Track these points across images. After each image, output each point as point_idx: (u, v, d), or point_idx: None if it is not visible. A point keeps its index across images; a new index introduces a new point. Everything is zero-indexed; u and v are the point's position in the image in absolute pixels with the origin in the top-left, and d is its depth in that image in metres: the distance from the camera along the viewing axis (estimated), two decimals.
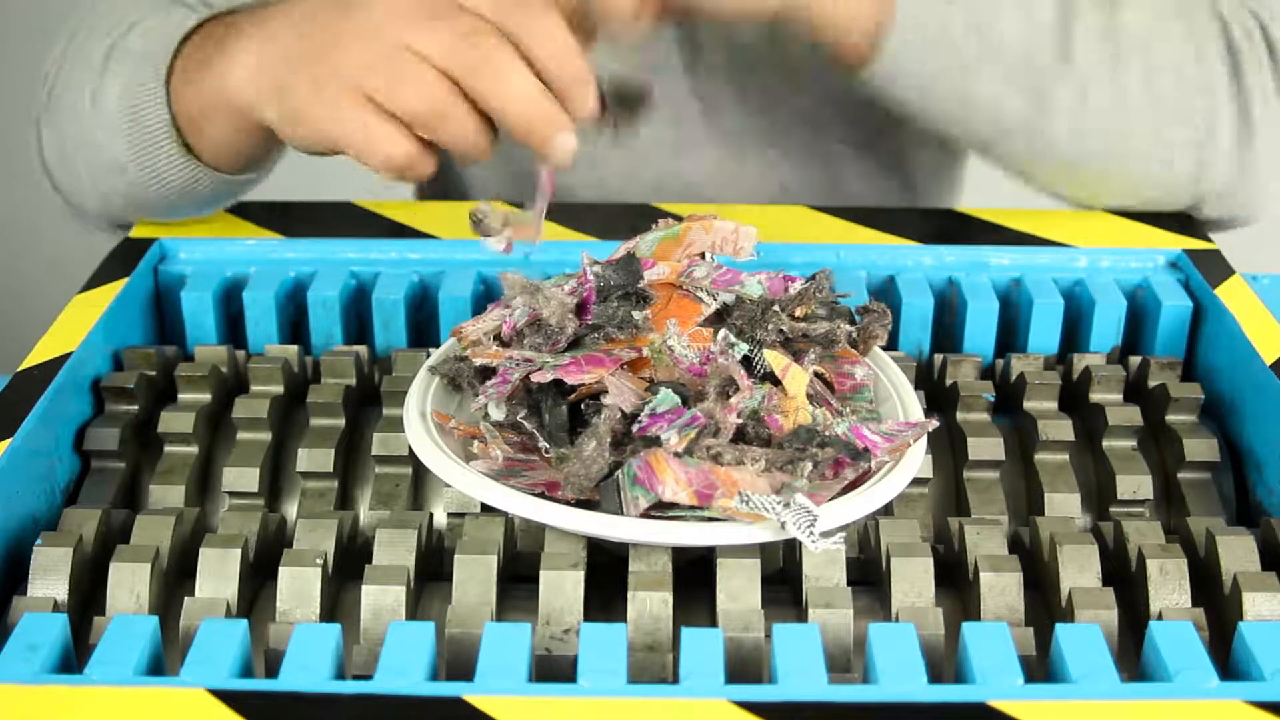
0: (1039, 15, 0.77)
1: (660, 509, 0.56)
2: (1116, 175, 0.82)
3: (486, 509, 0.61)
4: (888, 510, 0.63)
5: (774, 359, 0.61)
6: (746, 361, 0.61)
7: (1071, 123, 0.79)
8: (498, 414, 0.62)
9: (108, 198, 0.81)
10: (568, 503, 0.56)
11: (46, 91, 0.83)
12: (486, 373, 0.63)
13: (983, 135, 0.81)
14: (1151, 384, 0.73)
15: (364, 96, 0.60)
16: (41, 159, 0.85)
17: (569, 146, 0.61)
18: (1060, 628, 0.52)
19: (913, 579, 0.58)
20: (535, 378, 0.60)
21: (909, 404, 0.65)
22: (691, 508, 0.56)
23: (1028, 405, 0.71)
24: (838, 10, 0.75)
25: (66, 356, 0.68)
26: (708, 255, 0.67)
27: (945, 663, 0.56)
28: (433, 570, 0.62)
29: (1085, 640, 0.51)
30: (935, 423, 0.63)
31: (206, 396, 0.71)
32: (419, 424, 0.61)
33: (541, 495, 0.57)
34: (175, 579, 0.60)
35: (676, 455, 0.56)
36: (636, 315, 0.63)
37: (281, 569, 0.57)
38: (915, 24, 0.76)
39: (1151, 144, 0.80)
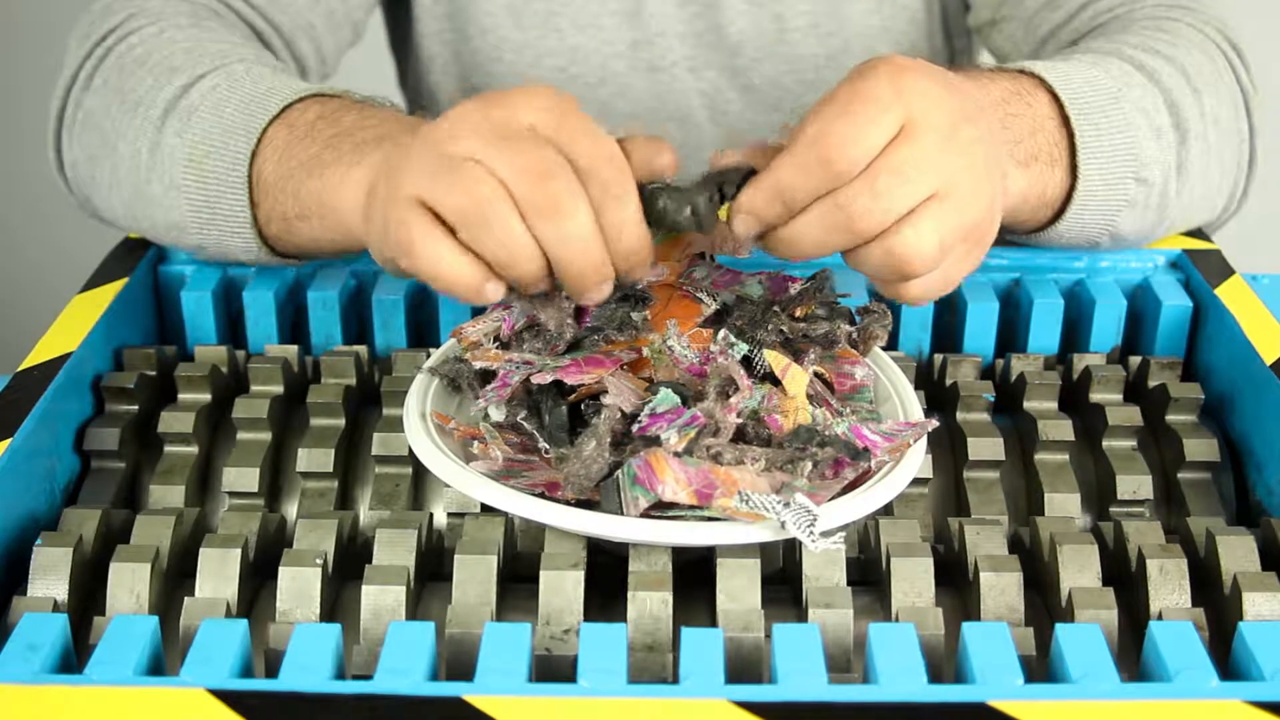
0: (1166, 137, 0.75)
1: (660, 509, 0.56)
2: (1176, 229, 0.82)
3: (486, 509, 0.61)
4: (888, 510, 0.62)
5: (774, 359, 0.61)
6: (746, 361, 0.61)
7: (1175, 214, 0.79)
8: (498, 415, 0.62)
9: (144, 231, 0.78)
10: (568, 503, 0.56)
11: (71, 98, 0.79)
12: (486, 375, 0.63)
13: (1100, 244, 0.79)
14: (1151, 384, 0.73)
15: (424, 206, 0.58)
16: (59, 161, 0.81)
17: (605, 294, 0.59)
18: (1060, 628, 0.52)
19: (913, 579, 0.58)
20: (535, 379, 0.60)
21: (909, 404, 0.65)
22: (691, 507, 0.56)
23: (1028, 405, 0.71)
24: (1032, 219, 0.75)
25: (66, 356, 0.68)
26: (707, 256, 0.67)
27: (945, 663, 0.56)
28: (433, 570, 0.62)
29: (1085, 640, 0.51)
30: (935, 423, 0.63)
31: (206, 396, 0.71)
32: (419, 425, 0.61)
33: (541, 495, 0.57)
34: (175, 579, 0.60)
35: (676, 455, 0.56)
36: (635, 316, 0.63)
37: (281, 569, 0.57)
38: (1089, 193, 0.74)
39: (1212, 198, 0.81)
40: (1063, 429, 0.69)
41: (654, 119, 1.04)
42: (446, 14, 1.04)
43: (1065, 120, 0.71)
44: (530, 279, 0.58)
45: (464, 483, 0.57)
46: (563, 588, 0.56)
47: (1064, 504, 0.67)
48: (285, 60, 0.90)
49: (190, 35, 0.79)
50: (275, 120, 0.71)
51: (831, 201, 0.57)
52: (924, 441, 0.62)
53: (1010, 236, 0.79)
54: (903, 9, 1.01)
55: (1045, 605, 0.59)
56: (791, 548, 0.61)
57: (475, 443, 0.61)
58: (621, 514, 0.55)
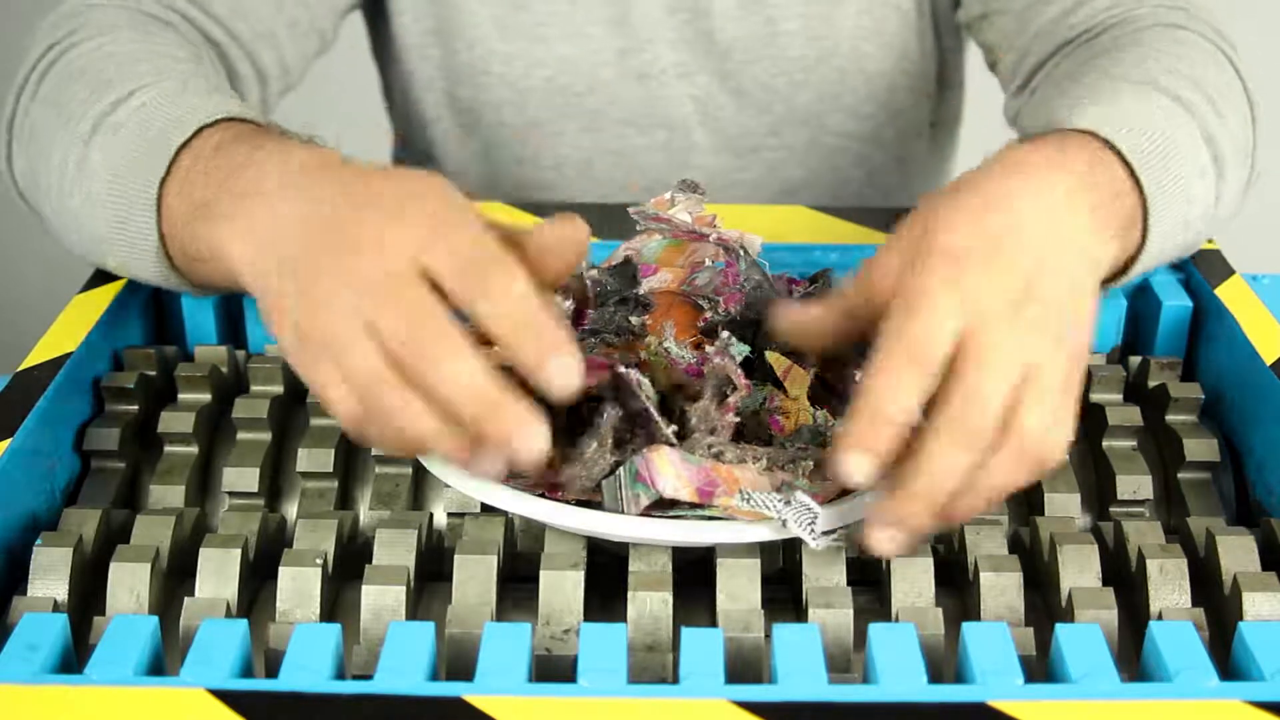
0: (1208, 176, 0.74)
1: (660, 507, 0.56)
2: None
3: (486, 509, 0.61)
4: None
5: (775, 360, 0.61)
6: (747, 363, 0.61)
7: (1200, 239, 0.79)
8: None
9: (73, 245, 0.76)
10: (568, 502, 0.56)
11: (20, 106, 0.78)
12: None
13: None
14: (1151, 384, 0.73)
15: (327, 360, 0.55)
16: (9, 167, 0.80)
17: (535, 441, 0.52)
18: (1060, 628, 0.52)
19: (913, 579, 0.58)
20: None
21: None
22: (692, 505, 0.56)
23: None
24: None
25: (66, 356, 0.68)
26: (707, 261, 0.67)
27: (945, 663, 0.56)
28: (433, 570, 0.62)
29: (1085, 640, 0.51)
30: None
31: (206, 396, 0.71)
32: None
33: (541, 496, 0.57)
34: (175, 579, 0.60)
35: (678, 453, 0.56)
36: (634, 320, 0.63)
37: (281, 569, 0.57)
38: (1152, 250, 0.72)
39: (1228, 218, 0.81)
40: None
41: (644, 126, 1.04)
42: (430, 29, 1.03)
43: (1136, 180, 0.70)
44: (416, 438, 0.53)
45: (464, 483, 0.57)
46: (563, 588, 0.56)
47: (1064, 504, 0.67)
48: (244, 71, 0.88)
49: (130, 50, 0.77)
50: (185, 145, 0.68)
51: (944, 417, 0.54)
52: None
53: None
54: (894, 9, 1.01)
55: (1045, 605, 0.59)
56: (791, 548, 0.61)
57: None
58: (622, 511, 0.55)
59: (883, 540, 0.55)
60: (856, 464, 0.54)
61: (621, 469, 0.56)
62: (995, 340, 0.55)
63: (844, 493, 0.58)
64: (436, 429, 0.53)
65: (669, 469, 0.55)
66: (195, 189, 0.66)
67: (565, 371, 0.52)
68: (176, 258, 0.70)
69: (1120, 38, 0.83)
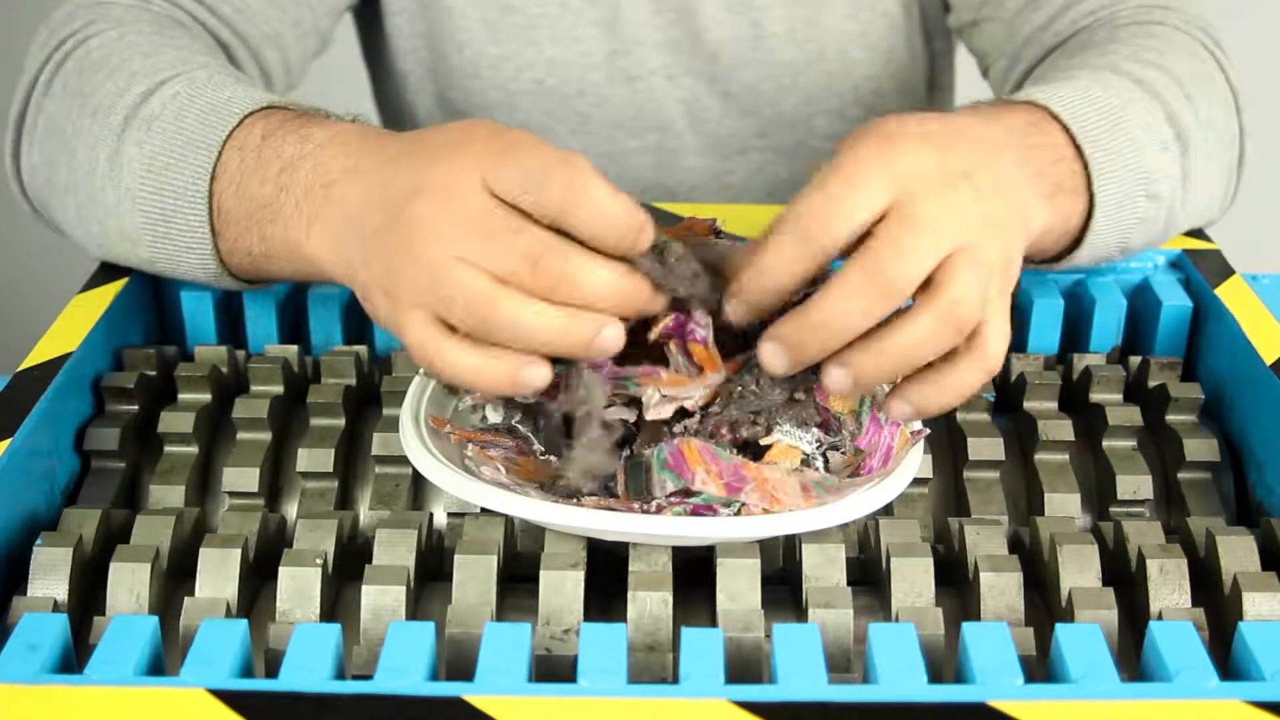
0: (1170, 150, 0.75)
1: (681, 496, 0.56)
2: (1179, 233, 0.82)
3: (487, 509, 0.61)
4: (888, 510, 0.63)
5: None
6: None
7: (1181, 222, 0.79)
8: (495, 417, 0.62)
9: (94, 246, 0.76)
10: (568, 501, 0.56)
11: (32, 103, 0.77)
12: None
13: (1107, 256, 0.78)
14: (1151, 384, 0.73)
15: (428, 314, 0.57)
16: (16, 168, 0.79)
17: (612, 343, 0.56)
18: (1060, 628, 0.52)
19: (913, 579, 0.58)
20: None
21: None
22: (687, 503, 0.56)
23: (1028, 405, 0.71)
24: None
25: (66, 356, 0.68)
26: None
27: (945, 663, 0.56)
28: (433, 570, 0.62)
29: (1085, 640, 0.51)
30: (927, 430, 0.63)
31: (206, 396, 0.71)
32: (413, 430, 0.61)
33: (540, 486, 0.57)
34: (175, 579, 0.60)
35: (710, 447, 0.56)
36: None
37: (281, 569, 0.57)
38: (1105, 216, 0.73)
39: (1213, 202, 0.81)
40: (1063, 429, 0.69)
41: (633, 128, 1.04)
42: (420, 32, 1.03)
43: (1079, 148, 0.70)
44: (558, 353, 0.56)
45: (463, 490, 0.57)
46: (563, 588, 0.56)
47: (1064, 504, 0.67)
48: (250, 72, 0.88)
49: (150, 40, 0.77)
50: (228, 142, 0.68)
51: (857, 266, 0.55)
52: (924, 442, 0.62)
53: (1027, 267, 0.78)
54: (881, 14, 1.01)
55: (1045, 605, 0.59)
56: (791, 548, 0.61)
57: (470, 445, 0.61)
58: (648, 495, 0.55)
59: (768, 351, 0.57)
60: (737, 313, 0.57)
61: (650, 453, 0.56)
62: (925, 211, 0.56)
63: (856, 473, 0.59)
64: (562, 319, 0.55)
65: (699, 462, 0.55)
66: (251, 184, 0.67)
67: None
68: (230, 255, 0.70)
69: (1096, 35, 0.84)
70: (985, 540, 0.60)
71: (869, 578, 0.62)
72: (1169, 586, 0.58)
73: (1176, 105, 0.75)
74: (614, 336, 0.56)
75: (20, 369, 0.68)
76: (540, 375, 0.56)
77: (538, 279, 0.55)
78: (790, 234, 0.56)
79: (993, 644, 0.51)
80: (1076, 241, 0.73)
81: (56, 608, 0.57)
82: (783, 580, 0.62)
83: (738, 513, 0.56)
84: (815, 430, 0.59)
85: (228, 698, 0.47)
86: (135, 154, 0.70)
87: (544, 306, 0.55)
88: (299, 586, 0.57)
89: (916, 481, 0.65)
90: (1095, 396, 0.72)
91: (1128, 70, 0.76)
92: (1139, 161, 0.72)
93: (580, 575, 0.57)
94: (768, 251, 0.56)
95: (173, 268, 0.72)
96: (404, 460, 0.68)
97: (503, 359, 0.56)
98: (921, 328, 0.56)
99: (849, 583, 0.58)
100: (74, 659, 0.53)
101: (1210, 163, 0.77)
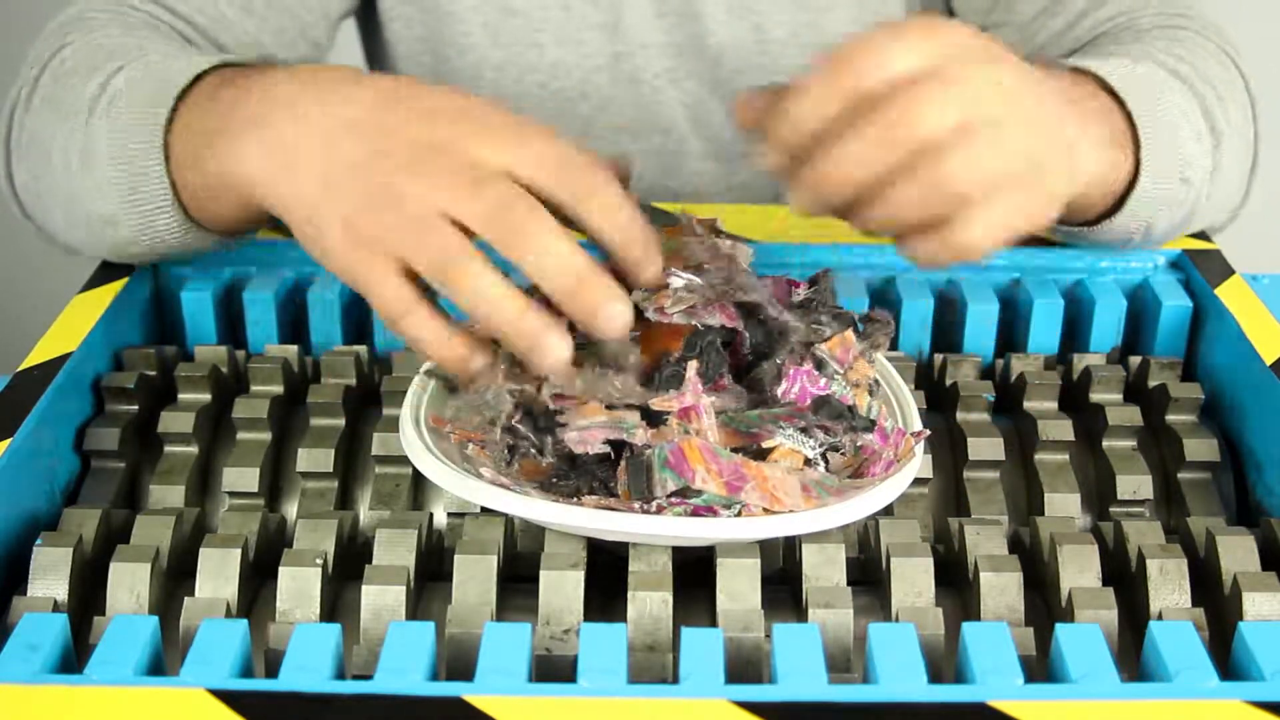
0: (1204, 141, 0.75)
1: (681, 496, 0.56)
2: (1191, 230, 0.82)
3: (487, 509, 0.61)
4: (888, 510, 0.62)
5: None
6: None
7: (1200, 217, 0.79)
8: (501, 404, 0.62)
9: (91, 245, 0.76)
10: (568, 501, 0.56)
11: (15, 121, 0.78)
12: None
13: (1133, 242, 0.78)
14: (1151, 384, 0.73)
15: (398, 266, 0.57)
16: (11, 186, 0.79)
17: (619, 319, 0.56)
18: (1060, 628, 0.52)
19: (913, 579, 0.58)
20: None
21: (909, 413, 0.65)
22: (685, 502, 0.56)
23: (1028, 405, 0.71)
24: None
25: (66, 356, 0.68)
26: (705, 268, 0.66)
27: (945, 663, 0.56)
28: (433, 570, 0.62)
29: (1085, 640, 0.51)
30: (928, 432, 0.63)
31: (206, 396, 0.71)
32: (413, 430, 0.61)
33: (540, 485, 0.57)
34: (175, 579, 0.60)
35: (710, 446, 0.56)
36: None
37: (281, 569, 0.57)
38: (1145, 186, 0.72)
39: (1230, 204, 0.81)
40: (1063, 429, 0.69)
41: (638, 132, 1.04)
42: (421, 37, 1.03)
43: (1127, 114, 0.70)
44: (513, 328, 0.56)
45: (463, 488, 0.57)
46: (563, 588, 0.56)
47: (1064, 504, 0.67)
48: None
49: (118, 41, 0.77)
50: (182, 98, 0.69)
51: (865, 120, 0.54)
52: (924, 442, 0.62)
53: (1060, 230, 0.78)
54: (884, 19, 1.01)
55: (1045, 605, 0.59)
56: (791, 548, 0.61)
57: (470, 445, 0.61)
58: (648, 494, 0.55)
59: (794, 198, 0.58)
60: (767, 159, 0.58)
61: (651, 452, 0.56)
62: (951, 77, 0.54)
63: (857, 473, 0.59)
64: (522, 305, 0.55)
65: (700, 461, 0.55)
66: (202, 122, 0.67)
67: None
68: (190, 205, 0.70)
69: (1121, 37, 0.84)
70: (985, 540, 0.60)
71: (869, 578, 0.62)
72: (1169, 586, 0.58)
73: (1210, 102, 0.75)
74: (559, 346, 0.56)
75: (20, 369, 0.68)
76: (479, 364, 0.58)
77: (496, 232, 0.55)
78: (823, 70, 0.55)
79: (993, 644, 0.51)
80: (1115, 206, 0.72)
81: (56, 608, 0.57)
82: (783, 580, 0.62)
83: (738, 513, 0.56)
84: (819, 434, 0.59)
85: (228, 698, 0.47)
86: (101, 131, 0.71)
87: (501, 280, 0.56)
88: (299, 586, 0.57)
89: (916, 481, 0.65)
90: (1095, 396, 0.72)
91: (1163, 62, 0.76)
92: (1178, 141, 0.72)
93: (580, 575, 0.57)
94: (797, 88, 0.56)
95: (151, 239, 0.72)
96: (404, 460, 0.68)
97: (464, 339, 0.58)
98: (904, 195, 0.55)
99: (849, 583, 0.58)
100: (74, 659, 0.53)
101: (1234, 164, 0.78)
